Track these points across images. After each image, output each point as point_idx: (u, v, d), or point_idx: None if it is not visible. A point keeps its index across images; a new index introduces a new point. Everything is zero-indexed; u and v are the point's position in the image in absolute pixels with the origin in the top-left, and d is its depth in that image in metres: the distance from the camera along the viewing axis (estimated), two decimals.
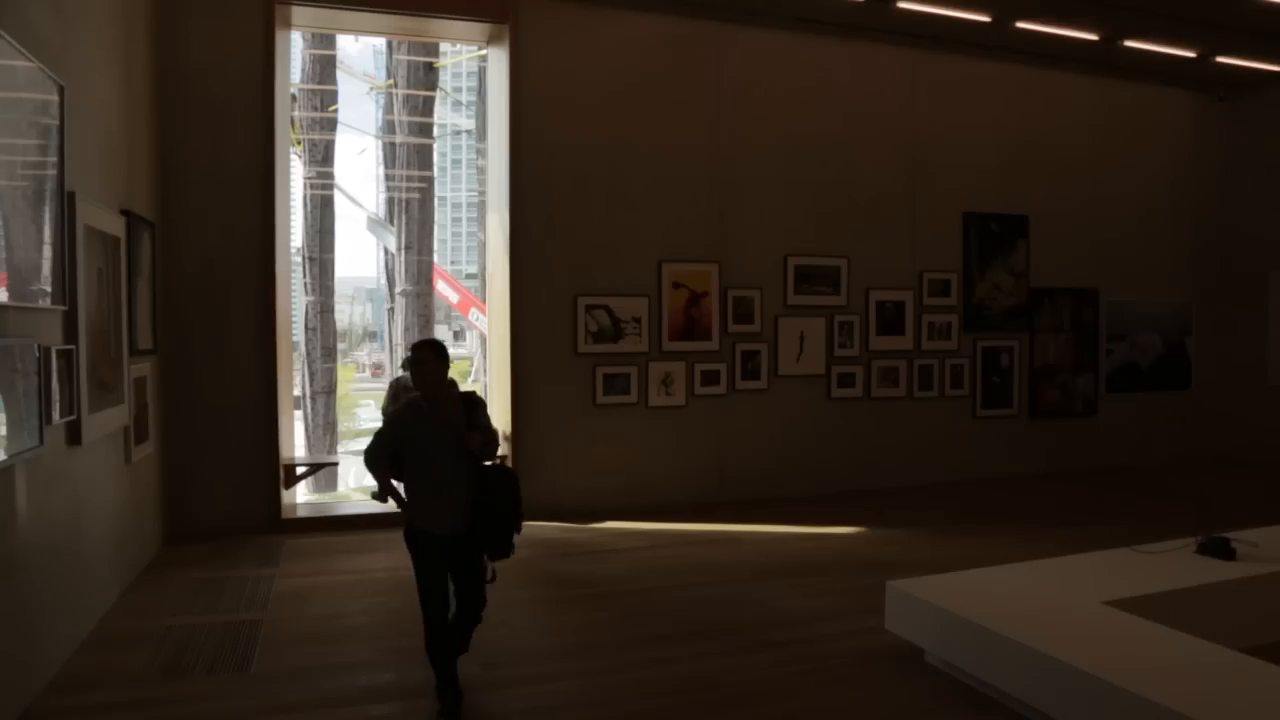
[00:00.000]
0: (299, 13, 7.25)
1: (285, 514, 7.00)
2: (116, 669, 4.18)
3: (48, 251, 4.07)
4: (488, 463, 3.94)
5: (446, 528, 3.73)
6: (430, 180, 16.35)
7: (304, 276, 15.40)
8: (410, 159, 15.92)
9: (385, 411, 7.68)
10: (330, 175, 16.00)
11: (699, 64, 7.92)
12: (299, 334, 14.51)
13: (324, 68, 15.71)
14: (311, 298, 15.65)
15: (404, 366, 7.89)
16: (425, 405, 3.79)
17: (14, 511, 3.67)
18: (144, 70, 6.08)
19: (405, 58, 15.36)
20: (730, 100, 8.03)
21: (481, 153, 17.20)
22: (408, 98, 15.56)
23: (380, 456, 3.86)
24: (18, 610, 3.70)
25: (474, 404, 3.87)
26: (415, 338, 15.23)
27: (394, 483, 3.91)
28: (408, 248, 15.55)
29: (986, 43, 8.57)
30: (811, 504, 7.92)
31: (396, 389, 7.41)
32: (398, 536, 6.82)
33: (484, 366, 20.29)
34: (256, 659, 4.31)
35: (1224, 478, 9.33)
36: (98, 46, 5.06)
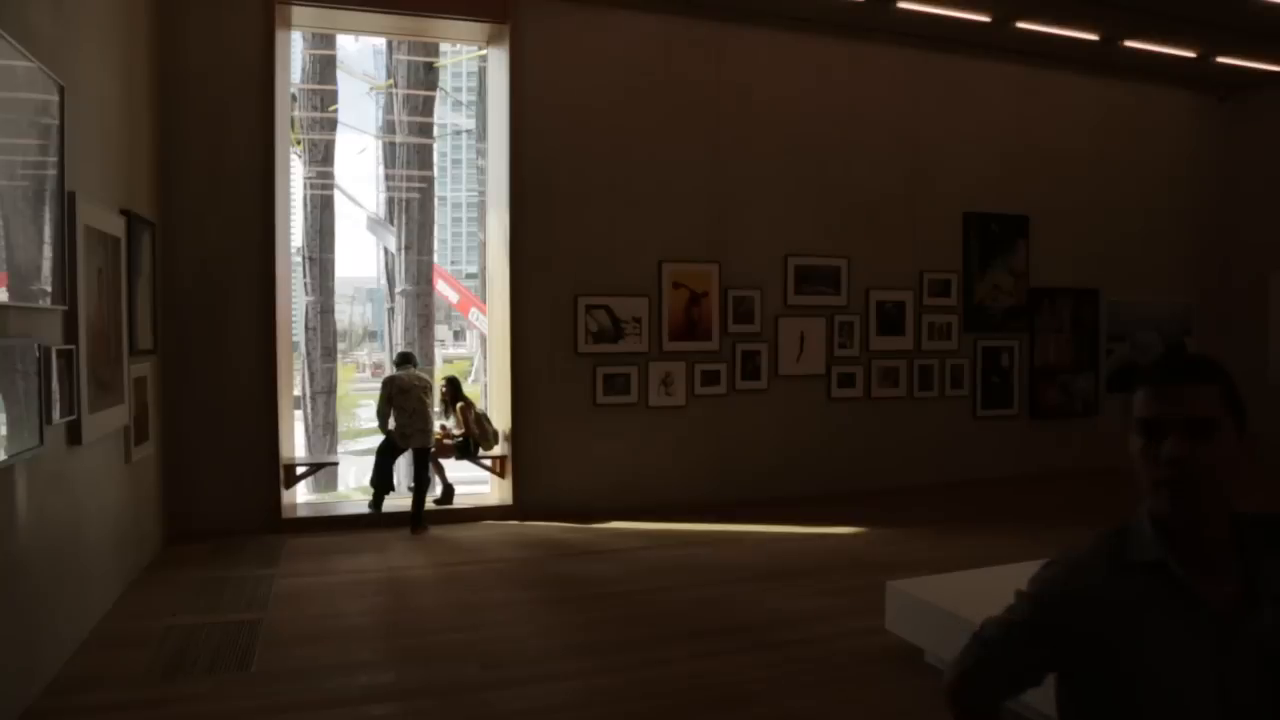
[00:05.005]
0: (299, 13, 7.25)
1: (285, 514, 7.00)
2: (116, 669, 4.18)
3: (48, 251, 4.07)
4: None
5: None
6: (430, 180, 16.34)
7: (304, 276, 15.39)
8: (410, 159, 15.91)
9: (380, 414, 7.31)
10: (330, 175, 16.00)
11: (699, 64, 7.92)
12: (299, 334, 14.50)
13: (324, 68, 15.70)
14: (311, 298, 15.65)
15: (397, 364, 7.80)
16: (1169, 560, 1.40)
17: (14, 511, 3.67)
18: (144, 70, 6.08)
19: (405, 58, 15.35)
20: (730, 100, 8.02)
21: (481, 153, 17.21)
22: (408, 98, 15.55)
23: (993, 688, 1.53)
24: (18, 610, 3.70)
25: None
26: (415, 338, 15.05)
27: None
28: (408, 248, 15.54)
29: (986, 43, 8.57)
30: (811, 504, 7.91)
31: (390, 389, 7.21)
32: (397, 536, 6.97)
33: (484, 366, 20.29)
34: (256, 659, 4.31)
35: None
36: (97, 46, 5.06)
